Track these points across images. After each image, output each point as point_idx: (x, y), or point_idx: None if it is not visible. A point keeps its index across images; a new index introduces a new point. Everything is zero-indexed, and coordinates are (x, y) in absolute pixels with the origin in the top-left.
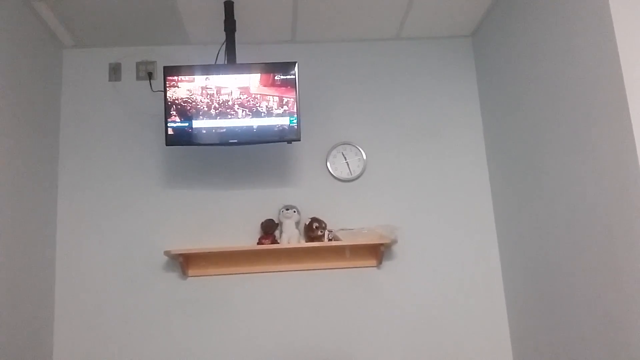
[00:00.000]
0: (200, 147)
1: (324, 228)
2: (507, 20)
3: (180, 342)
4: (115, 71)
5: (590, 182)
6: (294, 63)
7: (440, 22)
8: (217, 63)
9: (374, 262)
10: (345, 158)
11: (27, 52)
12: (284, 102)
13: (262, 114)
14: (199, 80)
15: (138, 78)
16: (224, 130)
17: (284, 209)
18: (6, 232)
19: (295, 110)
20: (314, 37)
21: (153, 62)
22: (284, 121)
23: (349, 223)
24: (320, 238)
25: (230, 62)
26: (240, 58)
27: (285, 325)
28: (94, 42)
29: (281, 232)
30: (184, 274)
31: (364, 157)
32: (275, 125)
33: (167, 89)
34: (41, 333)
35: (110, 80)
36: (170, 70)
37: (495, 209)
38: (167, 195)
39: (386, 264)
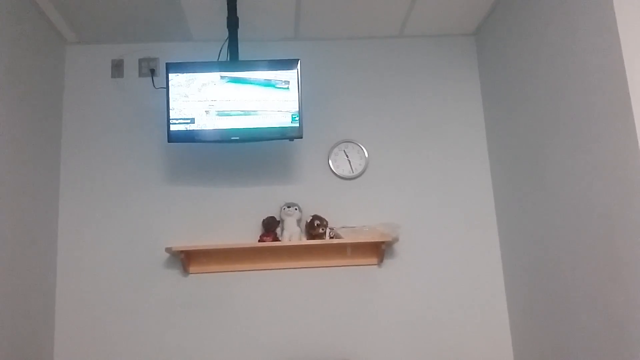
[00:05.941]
0: (202, 144)
1: (325, 226)
2: (511, 18)
3: (181, 338)
4: (117, 67)
5: (592, 180)
6: (297, 60)
7: (443, 20)
8: (219, 60)
9: (375, 260)
10: (347, 156)
11: (29, 48)
12: (286, 100)
13: (264, 111)
14: (201, 77)
15: (140, 74)
16: (226, 127)
17: (285, 207)
18: (8, 228)
19: (297, 108)
20: (316, 34)
21: (155, 59)
22: (286, 118)
23: (350, 221)
24: (321, 236)
25: (233, 59)
26: (242, 55)
27: (286, 323)
28: (96, 39)
29: (282, 230)
30: (185, 270)
31: (366, 155)
32: (277, 123)
33: (170, 85)
34: (42, 329)
35: (112, 76)
36: (173, 67)
37: (497, 207)
38: (169, 192)
39: (387, 262)
